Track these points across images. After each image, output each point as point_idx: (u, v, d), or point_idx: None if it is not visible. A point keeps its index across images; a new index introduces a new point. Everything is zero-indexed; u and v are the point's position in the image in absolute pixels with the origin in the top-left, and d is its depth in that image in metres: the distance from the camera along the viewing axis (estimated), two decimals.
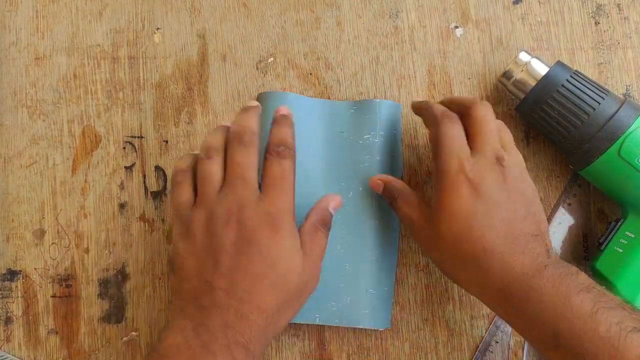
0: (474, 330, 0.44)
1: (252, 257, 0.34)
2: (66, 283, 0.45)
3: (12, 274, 0.45)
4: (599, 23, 0.47)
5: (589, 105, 0.40)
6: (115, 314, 0.45)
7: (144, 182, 0.46)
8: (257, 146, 0.36)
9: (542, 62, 0.42)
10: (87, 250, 0.45)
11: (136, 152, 0.46)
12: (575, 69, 0.42)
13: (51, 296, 0.45)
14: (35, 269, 0.45)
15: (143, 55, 0.47)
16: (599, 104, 0.40)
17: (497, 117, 0.46)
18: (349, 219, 0.44)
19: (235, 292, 0.33)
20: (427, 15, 0.48)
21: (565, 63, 0.43)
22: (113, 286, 0.45)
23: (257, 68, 0.47)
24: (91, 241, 0.45)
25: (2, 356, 0.44)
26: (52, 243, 0.45)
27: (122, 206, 0.46)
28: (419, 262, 0.45)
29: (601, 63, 0.47)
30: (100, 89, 0.47)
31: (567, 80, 0.41)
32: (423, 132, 0.46)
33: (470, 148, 0.37)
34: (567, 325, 0.32)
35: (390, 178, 0.41)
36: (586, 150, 0.40)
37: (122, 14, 0.48)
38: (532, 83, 0.42)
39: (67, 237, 0.45)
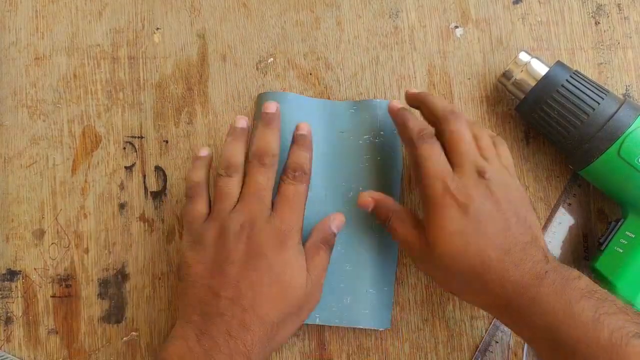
0: (473, 330, 0.44)
1: (258, 269, 0.35)
2: (66, 283, 0.45)
3: (12, 274, 0.45)
4: (599, 23, 0.47)
5: (589, 105, 0.40)
6: (115, 314, 0.45)
7: (144, 182, 0.46)
8: (276, 167, 0.38)
9: (542, 62, 0.42)
10: (86, 250, 0.45)
11: (136, 152, 0.46)
12: (575, 69, 0.42)
13: (51, 296, 0.45)
14: (35, 269, 0.45)
15: (143, 55, 0.47)
16: (599, 104, 0.40)
17: (497, 118, 0.46)
18: (349, 219, 0.44)
19: (239, 302, 0.34)
20: (427, 15, 0.48)
21: (565, 63, 0.43)
22: (113, 286, 0.45)
23: (257, 68, 0.47)
24: (91, 241, 0.45)
25: (2, 356, 0.44)
26: (52, 243, 0.45)
27: (122, 206, 0.46)
28: None
29: (601, 63, 0.47)
30: (100, 89, 0.47)
31: (567, 80, 0.41)
32: None
33: (450, 164, 0.37)
34: (570, 333, 0.32)
35: (382, 196, 0.40)
36: (586, 150, 0.40)
37: (122, 14, 0.48)
38: (532, 83, 0.42)
39: (66, 237, 0.45)
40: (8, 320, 0.45)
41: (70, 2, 0.48)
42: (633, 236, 0.40)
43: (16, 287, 0.45)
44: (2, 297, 0.45)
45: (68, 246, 0.45)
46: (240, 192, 0.38)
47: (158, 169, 0.46)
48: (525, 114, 0.43)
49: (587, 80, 0.41)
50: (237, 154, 0.38)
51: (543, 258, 0.35)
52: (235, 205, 0.37)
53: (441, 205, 0.36)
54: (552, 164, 0.46)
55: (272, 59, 0.47)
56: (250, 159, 0.38)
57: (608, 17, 0.47)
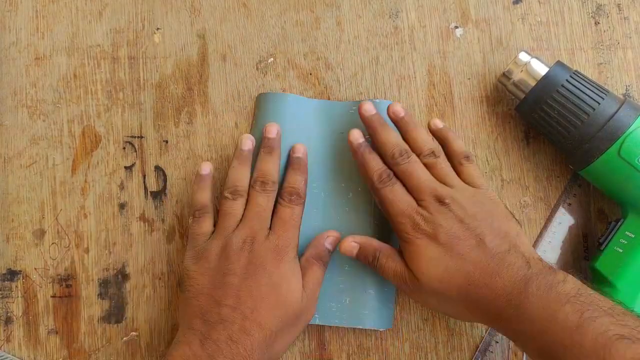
0: (473, 330, 0.44)
1: (258, 279, 0.38)
2: (66, 283, 0.45)
3: (12, 274, 0.45)
4: (599, 23, 0.47)
5: (589, 105, 0.40)
6: (115, 314, 0.45)
7: (144, 182, 0.46)
8: (275, 192, 0.41)
9: (542, 62, 0.42)
10: (87, 250, 0.45)
11: (136, 152, 0.46)
12: (575, 69, 0.42)
13: (51, 296, 0.45)
14: (35, 269, 0.45)
15: (143, 55, 0.47)
16: (599, 104, 0.40)
17: (497, 118, 0.46)
18: (349, 220, 0.44)
19: (240, 309, 0.37)
20: (427, 15, 0.48)
21: (565, 63, 0.43)
22: (113, 286, 0.45)
23: (257, 68, 0.47)
24: (91, 241, 0.45)
25: (2, 356, 0.44)
26: (52, 243, 0.45)
27: (122, 206, 0.46)
28: None
29: (601, 63, 0.47)
30: (100, 89, 0.47)
31: (566, 80, 0.41)
32: None
33: (414, 198, 0.39)
34: (555, 339, 0.33)
35: (364, 238, 0.41)
36: (586, 150, 0.40)
37: (122, 14, 0.48)
38: (532, 83, 0.42)
39: (67, 237, 0.45)
40: (8, 320, 0.45)
41: (71, 2, 0.48)
42: (633, 236, 0.40)
43: (16, 287, 0.45)
44: (2, 297, 0.45)
45: (68, 246, 0.45)
46: (243, 213, 0.41)
47: (158, 168, 0.46)
48: (525, 114, 0.43)
49: (587, 80, 0.41)
50: (242, 178, 0.42)
51: (524, 264, 0.36)
52: (238, 224, 0.40)
53: (413, 240, 0.38)
54: (552, 164, 0.46)
55: (272, 59, 0.47)
56: (253, 183, 0.41)
57: (608, 17, 0.47)
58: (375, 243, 0.41)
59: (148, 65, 0.47)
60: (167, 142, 0.46)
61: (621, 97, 0.42)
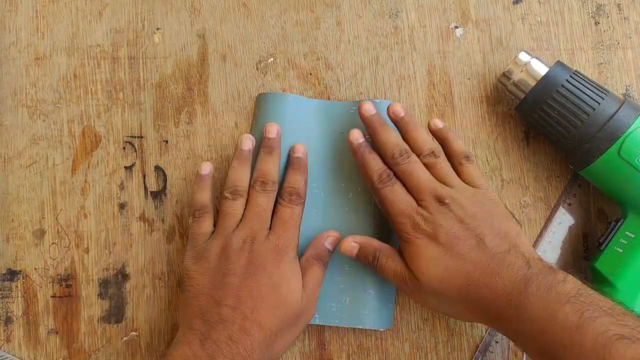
0: (473, 330, 0.44)
1: (258, 279, 0.38)
2: (66, 283, 0.45)
3: (12, 274, 0.45)
4: (599, 23, 0.47)
5: (589, 105, 0.40)
6: (115, 314, 0.45)
7: (144, 182, 0.46)
8: (276, 192, 0.42)
9: (542, 62, 0.42)
10: (87, 250, 0.45)
11: (136, 152, 0.46)
12: (575, 69, 0.42)
13: (51, 296, 0.45)
14: (35, 269, 0.45)
15: (143, 55, 0.47)
16: (599, 104, 0.40)
17: (497, 118, 0.46)
18: (348, 220, 0.44)
19: (240, 310, 0.37)
20: (427, 15, 0.48)
21: (565, 63, 0.43)
22: (113, 286, 0.45)
23: (257, 68, 0.47)
24: (91, 241, 0.45)
25: (2, 356, 0.44)
26: (52, 243, 0.45)
27: (122, 206, 0.46)
28: None
29: (601, 63, 0.47)
30: (100, 89, 0.47)
31: (566, 80, 0.41)
32: None
33: (413, 197, 0.39)
34: (555, 339, 0.33)
35: (364, 238, 0.41)
36: (586, 150, 0.40)
37: (122, 14, 0.48)
38: (532, 83, 0.42)
39: (67, 237, 0.45)
40: (8, 320, 0.45)
41: (71, 2, 0.48)
42: (633, 236, 0.40)
43: (16, 287, 0.45)
44: (2, 297, 0.45)
45: (68, 246, 0.45)
46: (243, 213, 0.41)
47: (158, 168, 0.46)
48: (525, 114, 0.43)
49: (587, 80, 0.41)
50: (242, 178, 0.42)
51: (524, 264, 0.36)
52: (238, 224, 0.40)
53: (413, 240, 0.38)
54: (552, 164, 0.46)
55: (272, 59, 0.47)
56: (253, 183, 0.41)
57: (608, 17, 0.47)
58: (375, 243, 0.41)
59: (148, 65, 0.47)
60: (167, 142, 0.46)
61: (621, 97, 0.42)
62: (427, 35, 0.47)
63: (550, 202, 0.46)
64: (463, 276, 0.36)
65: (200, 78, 0.47)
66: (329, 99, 0.47)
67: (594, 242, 0.45)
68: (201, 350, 0.35)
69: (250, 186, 0.42)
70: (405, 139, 0.42)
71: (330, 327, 0.44)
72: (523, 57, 0.43)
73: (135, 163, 0.46)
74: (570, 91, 0.40)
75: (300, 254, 0.42)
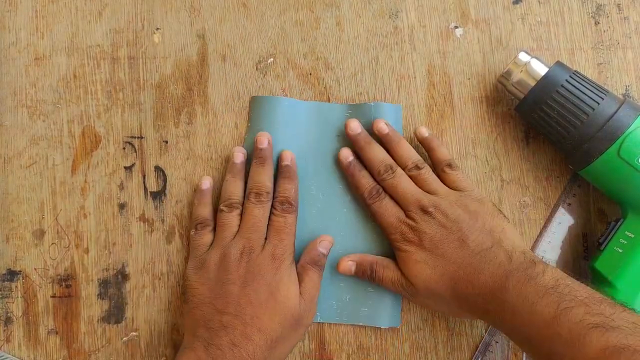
0: (473, 330, 0.44)
1: (257, 288, 0.39)
2: (66, 283, 0.45)
3: (12, 274, 0.45)
4: (598, 23, 0.47)
5: (589, 105, 0.40)
6: (115, 314, 0.45)
7: (144, 182, 0.46)
8: (270, 202, 0.43)
9: (542, 62, 0.42)
10: (87, 251, 0.45)
11: (136, 152, 0.46)
12: (574, 69, 0.42)
13: (51, 296, 0.45)
14: (35, 269, 0.45)
15: (143, 55, 0.47)
16: (599, 104, 0.40)
17: (497, 118, 0.46)
18: (347, 221, 0.44)
19: (241, 317, 0.38)
20: (426, 15, 0.48)
21: (565, 63, 0.43)
22: (113, 286, 0.45)
23: (257, 68, 0.47)
24: (91, 241, 0.45)
25: (2, 356, 0.44)
26: (52, 243, 0.45)
27: (121, 206, 0.46)
28: None
29: (601, 63, 0.47)
30: (100, 89, 0.47)
31: (566, 80, 0.41)
32: None
33: (401, 209, 0.42)
34: (535, 331, 0.34)
35: (359, 255, 0.43)
36: (586, 150, 0.40)
37: (122, 14, 0.48)
38: (532, 83, 0.42)
39: (66, 237, 0.45)
40: (8, 320, 0.45)
41: (70, 2, 0.48)
42: (632, 236, 0.40)
43: (16, 287, 0.45)
44: (2, 297, 0.45)
45: (68, 246, 0.45)
46: (240, 224, 0.42)
47: (158, 169, 0.46)
48: (525, 114, 0.43)
49: (587, 81, 0.41)
50: (236, 191, 0.43)
51: (506, 259, 0.38)
52: (235, 235, 0.42)
53: (403, 248, 0.41)
54: (552, 164, 0.46)
55: (272, 59, 0.47)
56: (248, 194, 0.43)
57: (608, 17, 0.47)
58: (369, 258, 0.43)
59: (148, 66, 0.47)
60: (167, 142, 0.46)
61: (621, 97, 0.42)
62: (427, 35, 0.47)
63: (550, 202, 0.46)
64: (449, 276, 0.39)
65: (200, 78, 0.47)
66: (328, 99, 0.47)
67: (593, 242, 0.45)
68: (205, 355, 0.37)
69: (246, 197, 0.43)
70: (390, 153, 0.44)
71: (330, 327, 0.44)
72: (523, 57, 0.43)
73: (135, 163, 0.46)
74: (569, 91, 0.40)
75: (297, 259, 0.43)
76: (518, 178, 0.46)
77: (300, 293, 0.41)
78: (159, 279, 0.45)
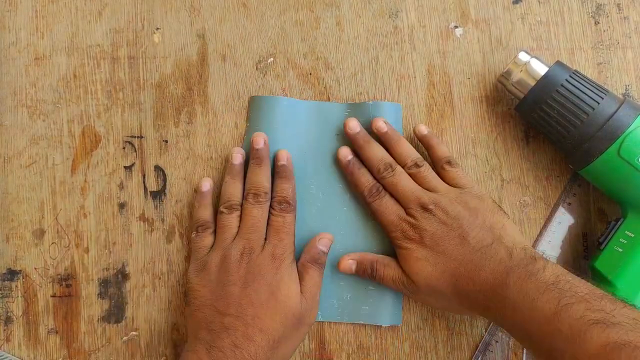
0: (473, 329, 0.44)
1: (257, 288, 0.39)
2: (66, 283, 0.45)
3: (12, 274, 0.45)
4: (598, 23, 0.47)
5: (589, 105, 0.40)
6: (115, 314, 0.45)
7: (144, 182, 0.46)
8: (269, 202, 0.43)
9: (542, 62, 0.42)
10: (87, 250, 0.45)
11: (136, 152, 0.46)
12: (574, 68, 0.42)
13: (51, 296, 0.45)
14: (35, 268, 0.45)
15: (143, 55, 0.47)
16: (598, 103, 0.40)
17: (497, 117, 0.46)
18: (348, 219, 0.44)
19: (242, 318, 0.38)
20: (426, 15, 0.48)
21: (565, 63, 0.43)
22: (113, 286, 0.45)
23: (257, 68, 0.47)
24: (91, 241, 0.45)
25: (2, 356, 0.44)
26: (52, 243, 0.45)
27: (121, 206, 0.46)
28: None
29: (600, 63, 0.47)
30: (100, 89, 0.47)
31: (566, 80, 0.41)
32: None
33: (402, 206, 0.42)
34: (536, 327, 0.34)
35: (360, 254, 0.43)
36: (586, 149, 0.40)
37: (122, 14, 0.48)
38: (532, 83, 0.42)
39: (66, 236, 0.45)
40: (8, 320, 0.45)
41: (70, 2, 0.48)
42: (633, 236, 0.40)
43: (16, 286, 0.45)
44: (2, 296, 0.45)
45: (68, 246, 0.45)
46: (240, 225, 0.42)
47: (158, 168, 0.46)
48: (525, 113, 0.43)
49: (587, 80, 0.41)
50: (235, 192, 0.43)
51: (506, 256, 0.38)
52: (235, 236, 0.42)
53: (404, 246, 0.41)
54: (552, 163, 0.46)
55: (272, 59, 0.47)
56: (246, 195, 0.43)
57: (607, 17, 0.47)
58: (370, 256, 0.43)
59: (148, 65, 0.47)
60: (167, 142, 0.46)
61: (621, 96, 0.42)
62: (427, 35, 0.47)
63: (550, 201, 0.46)
64: (450, 273, 0.39)
65: (200, 78, 0.47)
66: (328, 98, 0.47)
67: (593, 242, 0.45)
68: (207, 357, 0.37)
69: (244, 198, 0.43)
70: (389, 152, 0.44)
71: (330, 327, 0.44)
72: (523, 56, 0.43)
73: (135, 163, 0.46)
74: (569, 91, 0.40)
75: (297, 258, 0.43)
76: (518, 177, 0.46)
77: (301, 292, 0.41)
78: (159, 278, 0.45)
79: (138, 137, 0.46)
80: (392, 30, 0.47)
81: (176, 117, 0.47)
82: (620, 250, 0.41)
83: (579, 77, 0.41)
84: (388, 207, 0.42)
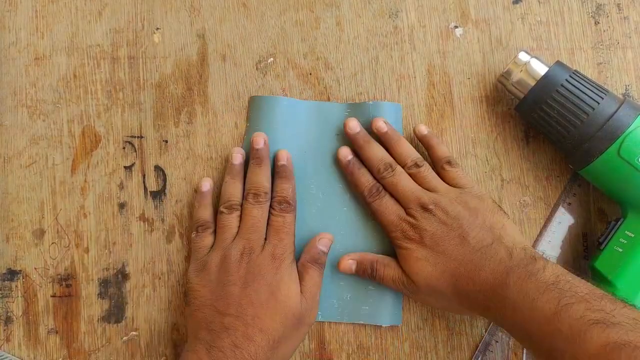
0: (473, 329, 0.44)
1: (257, 288, 0.39)
2: (66, 283, 0.45)
3: (12, 274, 0.45)
4: (598, 23, 0.47)
5: (588, 105, 0.40)
6: (115, 314, 0.45)
7: (144, 182, 0.46)
8: (269, 202, 0.43)
9: (542, 62, 0.42)
10: (87, 250, 0.45)
11: (136, 152, 0.46)
12: (574, 68, 0.42)
13: (51, 296, 0.45)
14: (35, 268, 0.45)
15: (143, 55, 0.47)
16: (599, 103, 0.40)
17: (497, 117, 0.46)
18: (347, 220, 0.44)
19: (242, 318, 0.38)
20: (426, 15, 0.48)
21: (565, 63, 0.43)
22: (113, 286, 0.45)
23: (257, 68, 0.47)
24: (91, 241, 0.45)
25: (2, 356, 0.44)
26: (52, 243, 0.45)
27: (121, 206, 0.46)
28: None
29: (600, 63, 0.47)
30: (100, 89, 0.47)
31: (566, 80, 0.41)
32: None
33: (402, 206, 0.42)
34: (536, 327, 0.34)
35: (360, 254, 0.43)
36: (586, 149, 0.40)
37: (122, 14, 0.48)
38: (532, 83, 0.42)
39: (66, 236, 0.45)
40: (8, 320, 0.45)
41: (70, 2, 0.48)
42: (633, 236, 0.40)
43: (16, 286, 0.45)
44: (2, 296, 0.45)
45: (68, 246, 0.45)
46: (240, 225, 0.42)
47: (158, 168, 0.46)
48: (525, 113, 0.43)
49: (587, 80, 0.41)
50: (235, 192, 0.43)
51: (506, 256, 0.38)
52: (235, 236, 0.42)
53: (404, 246, 0.41)
54: (552, 163, 0.46)
55: (272, 59, 0.47)
56: (246, 195, 0.43)
57: (608, 17, 0.47)
58: (370, 256, 0.43)
59: (148, 65, 0.47)
60: (167, 142, 0.46)
61: (621, 96, 0.42)
62: (427, 35, 0.47)
63: (550, 201, 0.46)
64: (450, 273, 0.39)
65: (200, 78, 0.47)
66: (328, 98, 0.47)
67: (593, 242, 0.45)
68: (207, 357, 0.36)
69: (244, 198, 0.43)
70: (389, 152, 0.44)
71: (330, 327, 0.44)
72: (523, 56, 0.43)
73: (135, 163, 0.46)
74: (569, 91, 0.40)
75: (298, 258, 0.43)
76: (518, 177, 0.46)
77: (301, 292, 0.41)
78: (159, 278, 0.45)
79: (138, 137, 0.46)
80: (392, 30, 0.47)
81: (176, 117, 0.47)
82: (620, 250, 0.41)
83: (579, 77, 0.41)
84: (388, 207, 0.42)
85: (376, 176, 0.43)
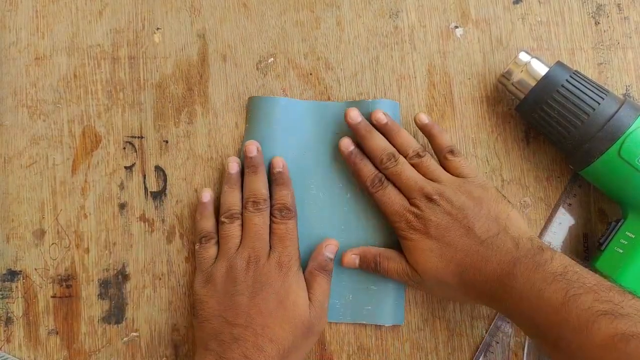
0: (474, 330, 0.44)
1: (266, 296, 0.39)
2: (66, 283, 0.45)
3: (12, 274, 0.45)
4: (599, 23, 0.47)
5: (589, 105, 0.40)
6: (115, 315, 0.45)
7: (144, 182, 0.46)
8: (268, 208, 0.43)
9: (542, 62, 0.42)
10: (87, 251, 0.45)
11: (136, 152, 0.46)
12: (575, 69, 0.42)
13: (51, 296, 0.45)
14: (35, 269, 0.45)
15: (143, 55, 0.47)
16: (599, 104, 0.40)
17: (497, 118, 0.46)
18: (348, 219, 0.44)
19: (252, 327, 0.38)
20: (427, 15, 0.48)
21: (565, 63, 0.43)
22: (113, 286, 0.45)
23: (257, 68, 0.47)
24: (91, 241, 0.45)
25: (2, 357, 0.44)
26: (52, 243, 0.45)
27: (122, 206, 0.46)
28: None
29: (601, 63, 0.47)
30: (101, 89, 0.47)
31: (566, 80, 0.41)
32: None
33: (405, 197, 0.42)
34: (543, 317, 0.34)
35: (362, 248, 0.43)
36: (586, 150, 0.40)
37: (122, 14, 0.48)
38: (532, 83, 0.42)
39: (67, 237, 0.45)
40: (8, 321, 0.45)
41: (71, 2, 0.48)
42: (633, 236, 0.40)
43: (16, 287, 0.45)
44: (3, 297, 0.45)
45: (68, 246, 0.45)
46: (242, 234, 0.42)
47: (158, 169, 0.46)
48: (525, 114, 0.43)
49: (587, 80, 0.41)
50: (235, 202, 0.43)
51: (513, 246, 0.37)
52: (239, 245, 0.42)
53: (408, 236, 0.41)
54: (552, 163, 0.46)
55: (272, 59, 0.47)
56: (246, 204, 0.43)
57: (608, 17, 0.47)
58: (373, 250, 0.43)
59: (148, 65, 0.47)
60: (167, 142, 0.46)
61: (621, 97, 0.42)
62: (427, 35, 0.47)
63: (550, 202, 0.46)
64: (456, 264, 0.39)
65: (201, 78, 0.47)
66: (329, 98, 0.47)
67: (594, 243, 0.45)
68: None
69: (244, 207, 0.43)
70: (391, 143, 0.43)
71: (330, 327, 0.44)
72: (523, 57, 0.43)
73: (135, 163, 0.46)
74: (570, 91, 0.40)
75: (303, 261, 0.43)
76: (518, 178, 0.46)
77: (310, 300, 0.40)
78: (160, 279, 0.45)
79: (138, 137, 0.46)
80: (392, 30, 0.47)
81: (176, 117, 0.47)
82: (621, 251, 0.41)
83: (579, 77, 0.41)
84: (391, 198, 0.42)
85: (379, 166, 0.43)
